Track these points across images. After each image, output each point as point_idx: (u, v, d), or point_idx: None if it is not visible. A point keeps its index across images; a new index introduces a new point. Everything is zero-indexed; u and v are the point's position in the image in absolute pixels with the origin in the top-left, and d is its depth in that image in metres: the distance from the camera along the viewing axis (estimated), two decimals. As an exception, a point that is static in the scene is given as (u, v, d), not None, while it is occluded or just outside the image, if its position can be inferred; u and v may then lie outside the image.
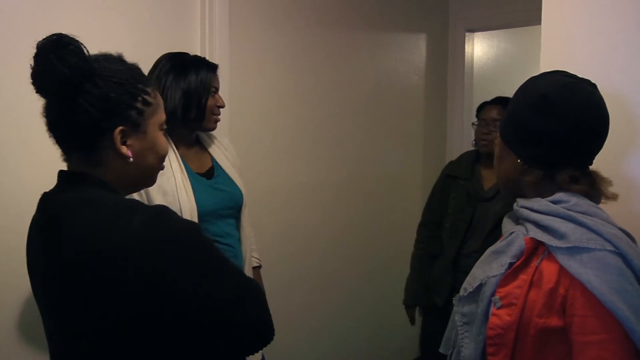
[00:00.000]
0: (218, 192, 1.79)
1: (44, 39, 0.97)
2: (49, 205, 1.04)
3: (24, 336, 1.76)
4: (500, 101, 2.42)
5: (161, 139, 1.10)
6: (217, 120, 1.82)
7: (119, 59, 1.06)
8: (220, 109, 1.82)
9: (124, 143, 1.03)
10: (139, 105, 1.04)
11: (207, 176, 1.80)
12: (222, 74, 1.88)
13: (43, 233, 1.04)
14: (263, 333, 1.05)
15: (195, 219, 1.67)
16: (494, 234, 2.21)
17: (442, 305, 2.34)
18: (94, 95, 0.99)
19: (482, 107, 2.45)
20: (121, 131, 1.02)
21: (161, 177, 1.63)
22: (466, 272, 2.26)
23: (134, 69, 1.07)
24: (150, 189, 1.63)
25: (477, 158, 2.42)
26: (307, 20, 2.63)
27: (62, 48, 0.96)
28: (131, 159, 1.04)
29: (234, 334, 0.99)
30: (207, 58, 1.85)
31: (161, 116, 1.10)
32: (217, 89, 1.80)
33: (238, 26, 2.33)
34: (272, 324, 1.07)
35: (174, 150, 1.72)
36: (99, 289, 0.94)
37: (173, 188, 1.66)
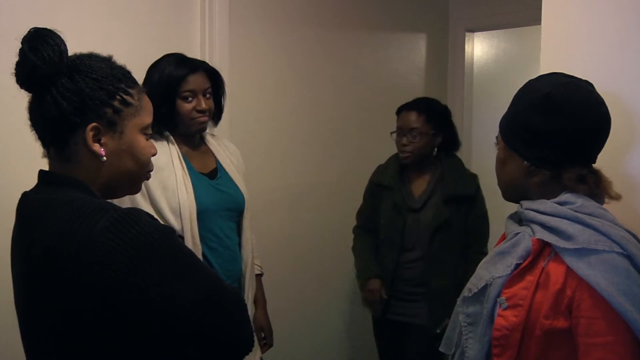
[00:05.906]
0: (219, 192, 1.78)
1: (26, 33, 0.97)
2: (24, 207, 1.04)
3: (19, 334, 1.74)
4: (417, 106, 2.27)
5: (141, 142, 1.05)
6: (201, 123, 1.73)
7: (104, 59, 1.04)
8: (204, 112, 1.71)
9: (97, 141, 1.00)
10: (116, 104, 1.01)
11: (209, 176, 1.79)
12: (222, 74, 1.85)
13: (18, 234, 1.04)
14: (236, 342, 0.99)
15: (194, 216, 1.66)
16: (434, 243, 2.22)
17: (378, 317, 2.33)
18: (68, 89, 0.97)
19: (399, 112, 2.30)
20: (94, 128, 0.99)
21: (162, 172, 1.65)
22: (407, 280, 2.27)
23: (119, 68, 1.04)
24: (151, 184, 1.61)
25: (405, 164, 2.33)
26: (306, 20, 2.63)
27: (35, 39, 0.96)
28: (104, 158, 1.01)
29: (203, 341, 0.95)
30: (207, 58, 1.84)
31: (143, 119, 1.06)
32: (195, 93, 1.69)
33: (238, 26, 2.33)
34: (250, 333, 1.01)
35: (176, 148, 1.71)
36: (63, 290, 0.93)
37: (173, 184, 1.66)
